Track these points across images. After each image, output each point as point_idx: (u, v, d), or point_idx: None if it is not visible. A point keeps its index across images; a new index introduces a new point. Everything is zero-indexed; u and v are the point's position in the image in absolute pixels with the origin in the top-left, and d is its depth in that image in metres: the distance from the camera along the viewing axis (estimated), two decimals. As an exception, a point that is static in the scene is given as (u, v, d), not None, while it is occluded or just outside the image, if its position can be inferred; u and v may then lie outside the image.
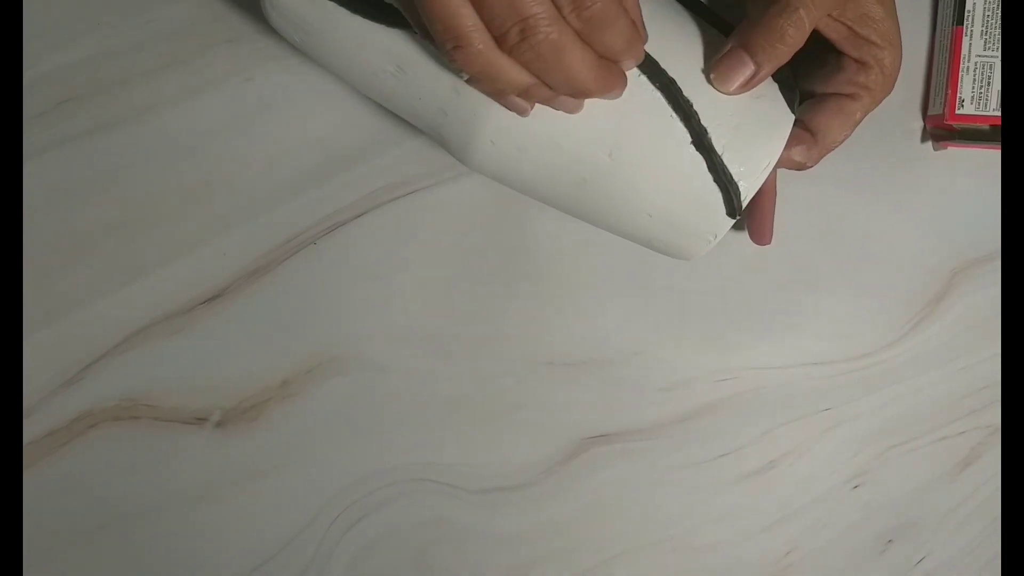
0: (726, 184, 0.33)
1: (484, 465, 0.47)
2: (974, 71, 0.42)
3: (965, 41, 0.42)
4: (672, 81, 0.32)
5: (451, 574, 0.47)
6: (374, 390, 0.46)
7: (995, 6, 0.42)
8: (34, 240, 0.44)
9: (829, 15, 0.33)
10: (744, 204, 0.33)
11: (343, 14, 0.33)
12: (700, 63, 0.33)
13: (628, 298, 0.45)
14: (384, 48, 0.33)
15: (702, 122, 0.32)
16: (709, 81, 0.33)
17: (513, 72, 0.29)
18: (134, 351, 0.45)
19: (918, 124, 0.45)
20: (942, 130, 0.43)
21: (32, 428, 0.45)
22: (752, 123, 0.33)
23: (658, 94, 0.32)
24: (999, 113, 0.42)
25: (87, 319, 0.45)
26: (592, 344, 0.46)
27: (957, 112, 0.42)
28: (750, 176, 0.33)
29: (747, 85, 0.32)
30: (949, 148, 0.43)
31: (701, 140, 0.32)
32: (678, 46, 0.33)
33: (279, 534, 0.47)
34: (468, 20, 0.28)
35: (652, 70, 0.32)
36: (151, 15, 0.43)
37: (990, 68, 0.42)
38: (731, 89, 0.33)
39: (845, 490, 0.47)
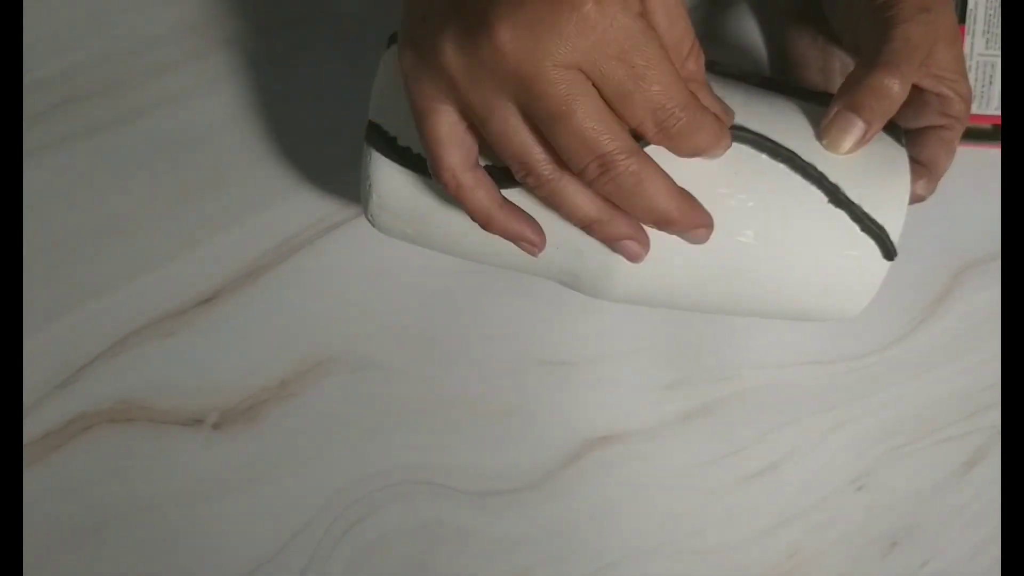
0: (875, 230, 0.34)
1: (484, 466, 0.46)
2: (976, 70, 0.42)
3: (967, 40, 0.42)
4: (792, 152, 0.33)
5: (451, 577, 0.47)
6: (373, 390, 0.46)
7: (997, 5, 0.42)
8: (29, 241, 0.44)
9: None
10: (896, 244, 0.34)
11: None
12: (808, 132, 0.34)
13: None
14: None
15: (831, 180, 0.33)
16: (822, 146, 0.34)
17: (581, 200, 0.30)
18: (130, 352, 0.45)
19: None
20: (943, 129, 0.43)
21: (28, 430, 0.45)
22: (876, 167, 0.34)
23: (783, 167, 0.33)
24: (1000, 113, 0.42)
25: (83, 320, 0.45)
26: (592, 343, 0.46)
27: (959, 111, 0.42)
28: (893, 216, 0.34)
29: (859, 144, 0.34)
30: (951, 147, 0.43)
31: (836, 196, 0.33)
32: (782, 123, 0.34)
33: (277, 535, 0.46)
34: (536, 153, 0.29)
35: (771, 148, 0.33)
36: (151, 16, 0.43)
37: (992, 67, 0.42)
38: (844, 150, 0.34)
39: (848, 491, 0.47)
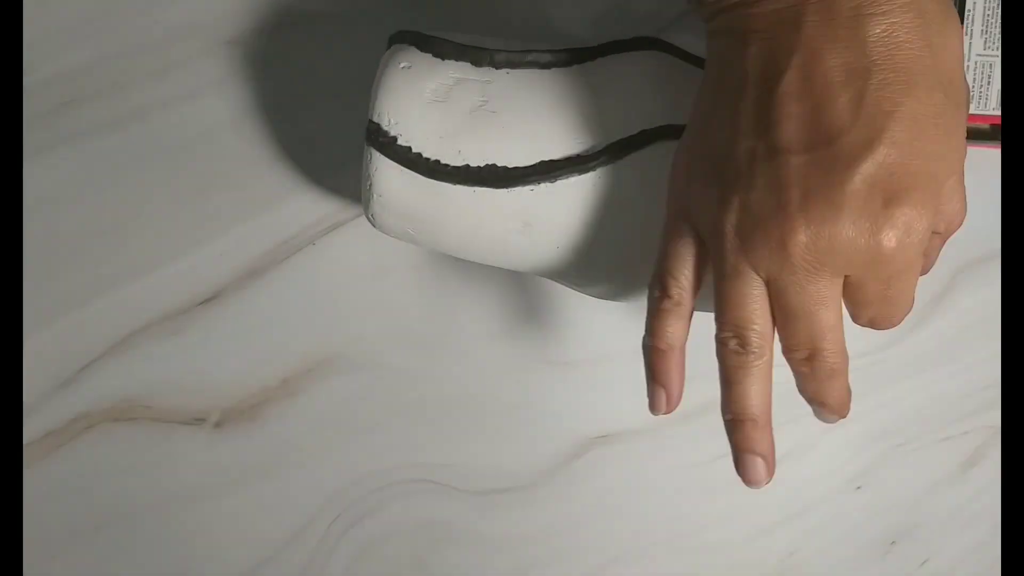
0: None
1: (484, 466, 0.46)
2: (974, 70, 0.42)
3: (965, 40, 0.42)
4: None
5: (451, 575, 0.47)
6: (373, 390, 0.46)
7: (995, 5, 0.42)
8: (32, 240, 0.44)
9: None
10: None
11: (462, 191, 0.34)
12: None
13: (628, 298, 0.45)
14: (508, 210, 0.34)
15: None
16: None
17: (755, 389, 0.31)
18: (132, 351, 0.45)
19: (918, 123, 0.45)
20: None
21: (30, 429, 0.45)
22: None
23: None
24: (999, 112, 0.42)
25: (85, 319, 0.45)
26: (591, 342, 0.46)
27: (957, 111, 0.42)
28: None
29: None
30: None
31: None
32: None
33: (278, 534, 0.46)
34: (759, 325, 0.30)
35: None
36: (152, 17, 0.44)
37: (990, 67, 0.42)
38: None
39: (847, 491, 0.47)
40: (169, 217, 0.45)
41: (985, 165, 0.44)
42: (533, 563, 0.47)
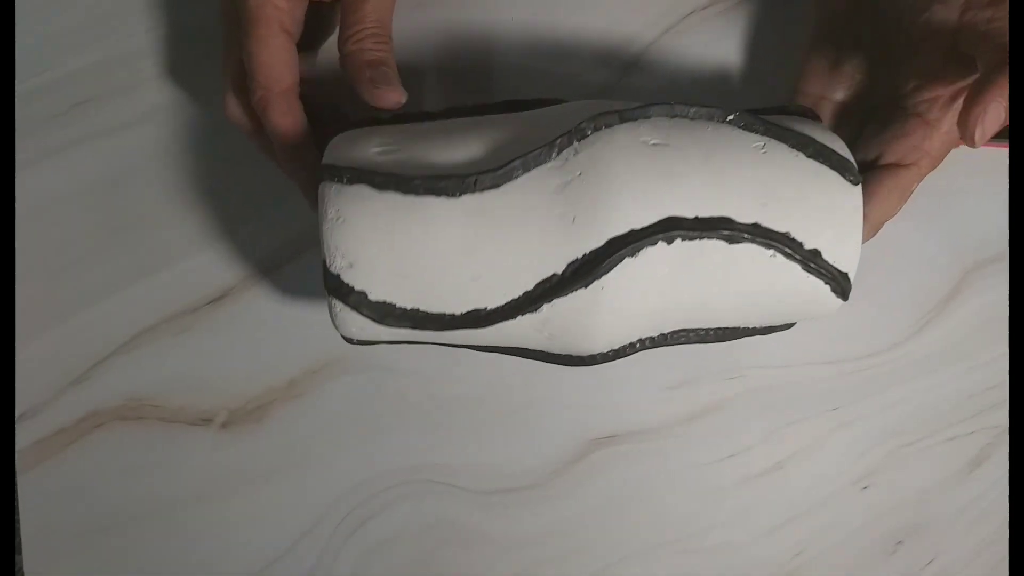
0: (832, 276, 0.35)
1: (491, 466, 0.47)
2: (982, 70, 0.42)
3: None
4: (752, 225, 0.34)
5: None
6: (380, 391, 0.46)
7: (1003, 5, 0.41)
8: (42, 239, 0.45)
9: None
10: (851, 285, 0.36)
11: (443, 335, 0.35)
12: (775, 184, 0.34)
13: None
14: (491, 337, 0.35)
15: (794, 237, 0.34)
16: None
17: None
18: (141, 351, 0.45)
19: (926, 123, 0.44)
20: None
21: (39, 427, 0.45)
22: (829, 215, 0.35)
23: (743, 246, 0.34)
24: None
25: (94, 318, 0.45)
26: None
27: (965, 111, 0.42)
28: (848, 260, 0.35)
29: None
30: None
31: (795, 251, 0.34)
32: (747, 185, 0.34)
33: (285, 535, 0.47)
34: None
35: (727, 235, 0.33)
36: (158, 21, 0.44)
37: (998, 67, 0.42)
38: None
39: (854, 491, 0.47)
40: (177, 217, 0.45)
41: (992, 165, 0.44)
42: (539, 562, 0.47)
